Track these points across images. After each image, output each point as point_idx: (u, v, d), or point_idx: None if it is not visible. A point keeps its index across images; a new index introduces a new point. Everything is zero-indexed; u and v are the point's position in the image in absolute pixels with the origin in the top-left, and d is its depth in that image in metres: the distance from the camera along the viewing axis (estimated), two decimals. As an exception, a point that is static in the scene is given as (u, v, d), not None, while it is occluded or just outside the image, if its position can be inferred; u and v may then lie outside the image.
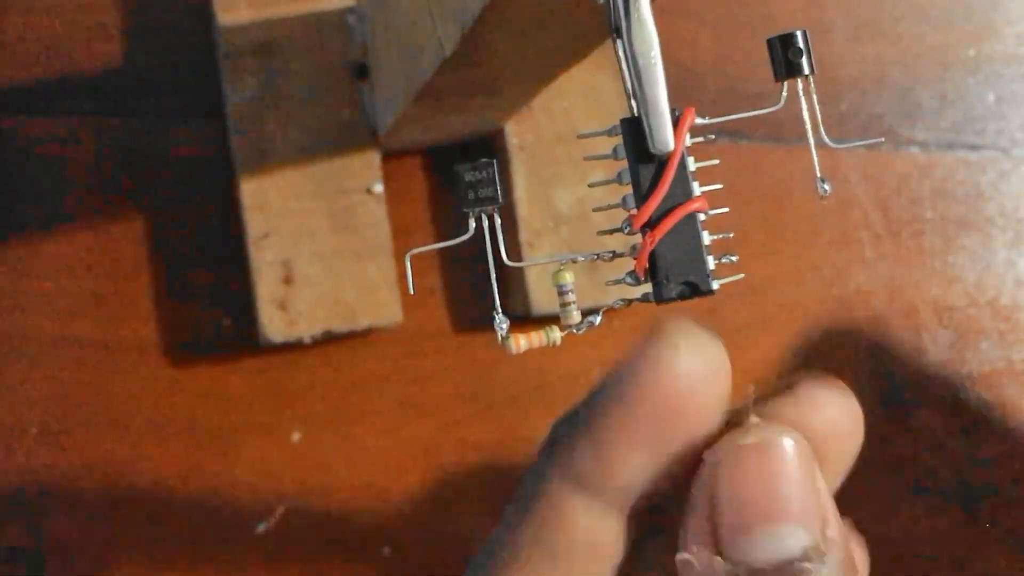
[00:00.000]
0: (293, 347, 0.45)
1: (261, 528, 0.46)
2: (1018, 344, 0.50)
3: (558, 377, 0.47)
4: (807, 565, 0.26)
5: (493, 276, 0.27)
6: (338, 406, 0.46)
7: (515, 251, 0.45)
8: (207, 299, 0.45)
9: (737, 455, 0.26)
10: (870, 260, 0.50)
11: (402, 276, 0.45)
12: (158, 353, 0.45)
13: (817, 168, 0.28)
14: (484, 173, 0.26)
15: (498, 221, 0.27)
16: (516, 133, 0.45)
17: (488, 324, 0.48)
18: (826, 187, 0.28)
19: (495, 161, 0.26)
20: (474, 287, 0.47)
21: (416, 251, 0.27)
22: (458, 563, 0.47)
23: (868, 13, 0.50)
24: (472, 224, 0.27)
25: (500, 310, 0.27)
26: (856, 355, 0.49)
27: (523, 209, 0.45)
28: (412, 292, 0.27)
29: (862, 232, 0.50)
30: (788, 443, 0.26)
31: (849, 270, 0.49)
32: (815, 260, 0.49)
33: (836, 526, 0.27)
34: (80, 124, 0.45)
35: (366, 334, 0.46)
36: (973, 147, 0.51)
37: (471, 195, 0.26)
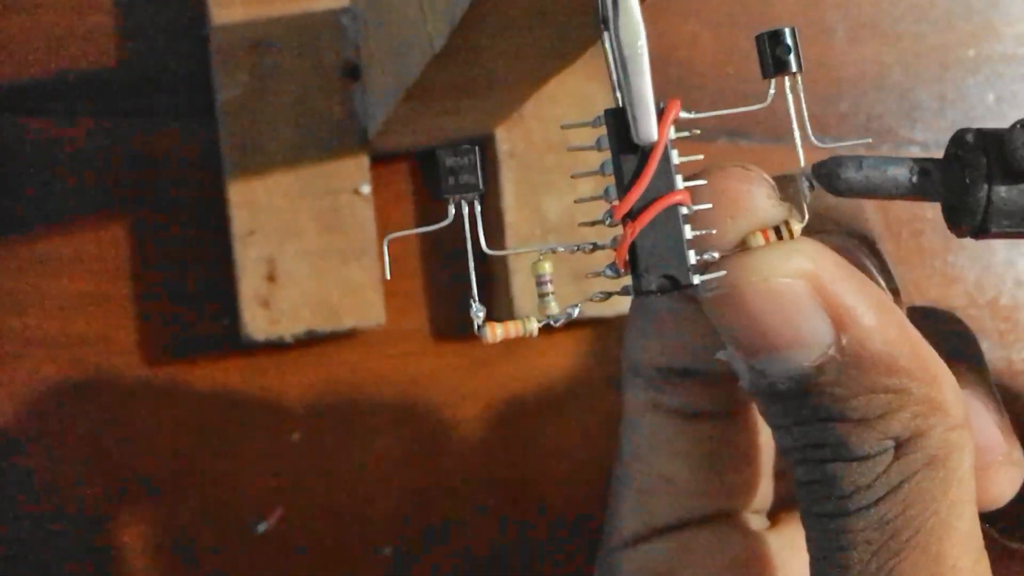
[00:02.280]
0: (294, 347, 0.45)
1: (261, 528, 0.45)
2: (1018, 344, 0.50)
3: (559, 377, 0.47)
4: (820, 381, 0.26)
5: (471, 264, 0.26)
6: (338, 406, 0.46)
7: (502, 258, 0.45)
8: (206, 299, 0.45)
9: (712, 301, 0.27)
10: (870, 260, 0.50)
11: (398, 273, 0.45)
12: (158, 353, 0.45)
13: (802, 164, 0.27)
14: (466, 159, 0.26)
15: (478, 208, 0.26)
16: (506, 139, 0.45)
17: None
18: (811, 186, 0.28)
19: (477, 148, 0.26)
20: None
21: (394, 235, 0.26)
22: (458, 563, 0.47)
23: (868, 13, 0.50)
24: (451, 210, 0.26)
25: (477, 298, 0.27)
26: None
27: (511, 216, 0.45)
28: (388, 277, 0.27)
29: (862, 232, 0.50)
30: (756, 284, 0.26)
31: (850, 270, 0.49)
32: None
33: (871, 322, 0.26)
34: (75, 124, 0.45)
35: (368, 335, 0.46)
36: (972, 152, 0.51)
37: (451, 181, 0.26)
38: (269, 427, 0.46)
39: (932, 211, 0.50)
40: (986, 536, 0.28)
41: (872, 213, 0.32)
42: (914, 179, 0.27)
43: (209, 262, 0.45)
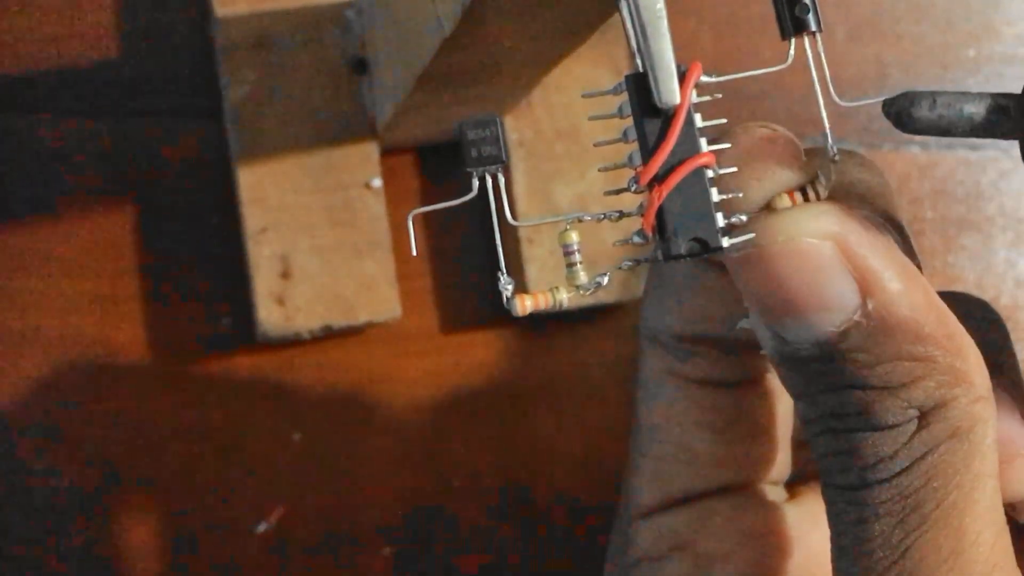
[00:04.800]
0: (293, 347, 0.45)
1: (261, 528, 0.45)
2: (1018, 344, 0.50)
3: (559, 377, 0.47)
4: (844, 347, 0.26)
5: (498, 236, 0.26)
6: (338, 406, 0.46)
7: (514, 247, 0.44)
8: (206, 299, 0.45)
9: (738, 262, 0.27)
10: (871, 259, 0.49)
11: (401, 272, 0.44)
12: (158, 352, 0.45)
13: (827, 126, 0.27)
14: (488, 131, 0.26)
15: (502, 180, 0.26)
16: (515, 129, 0.45)
17: (487, 323, 0.48)
18: (835, 150, 0.27)
19: (499, 119, 0.26)
20: (474, 286, 0.46)
21: (418, 211, 0.26)
22: (458, 563, 0.46)
23: (868, 13, 0.50)
24: (476, 184, 0.26)
25: (505, 271, 0.26)
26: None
27: (522, 205, 0.45)
28: (415, 253, 0.26)
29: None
30: (782, 244, 0.26)
31: (849, 270, 0.49)
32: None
33: (898, 288, 0.26)
34: (79, 123, 0.45)
35: (367, 334, 0.45)
36: (973, 147, 0.51)
37: (474, 153, 0.26)
38: (270, 427, 0.45)
39: (932, 211, 0.50)
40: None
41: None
42: (990, 117, 0.26)
43: (211, 261, 0.45)
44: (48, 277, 0.45)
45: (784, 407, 0.33)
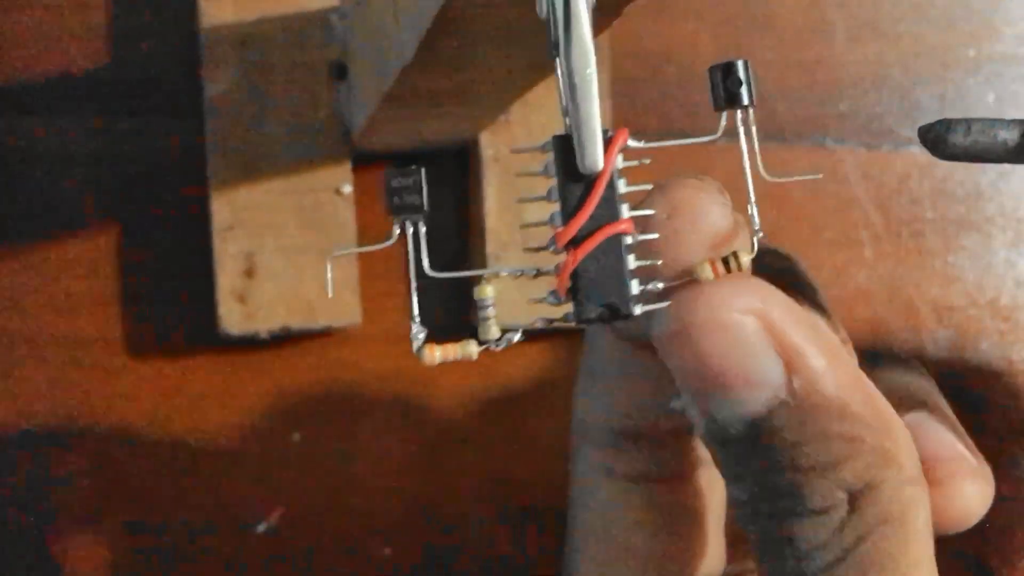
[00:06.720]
0: (294, 346, 0.45)
1: (261, 528, 0.45)
2: (1018, 344, 0.50)
3: (559, 378, 0.47)
4: (772, 425, 0.26)
5: (413, 286, 0.27)
6: (339, 406, 0.46)
7: (481, 261, 0.45)
8: (206, 298, 0.45)
9: (664, 337, 0.26)
10: (870, 260, 0.49)
11: (364, 278, 0.45)
12: (156, 352, 0.45)
13: (752, 198, 0.27)
14: (411, 180, 0.26)
15: (422, 230, 0.26)
16: (491, 144, 0.45)
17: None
18: (759, 225, 0.27)
19: (423, 170, 0.26)
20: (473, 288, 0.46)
21: (339, 253, 0.27)
22: (458, 563, 0.47)
23: (868, 13, 0.50)
24: (396, 231, 0.26)
25: (417, 319, 0.27)
26: (855, 355, 0.49)
27: (492, 220, 0.45)
28: (331, 295, 0.27)
29: (862, 232, 0.50)
30: (706, 318, 0.26)
31: (849, 270, 0.49)
32: (815, 260, 0.49)
33: (822, 365, 0.26)
34: (74, 124, 0.45)
35: (369, 334, 0.46)
36: (972, 146, 0.51)
37: (396, 201, 0.26)
38: (269, 427, 0.46)
39: (932, 211, 0.50)
40: None
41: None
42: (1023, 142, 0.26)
43: (210, 259, 0.45)
44: (46, 277, 0.45)
45: (718, 499, 0.33)
